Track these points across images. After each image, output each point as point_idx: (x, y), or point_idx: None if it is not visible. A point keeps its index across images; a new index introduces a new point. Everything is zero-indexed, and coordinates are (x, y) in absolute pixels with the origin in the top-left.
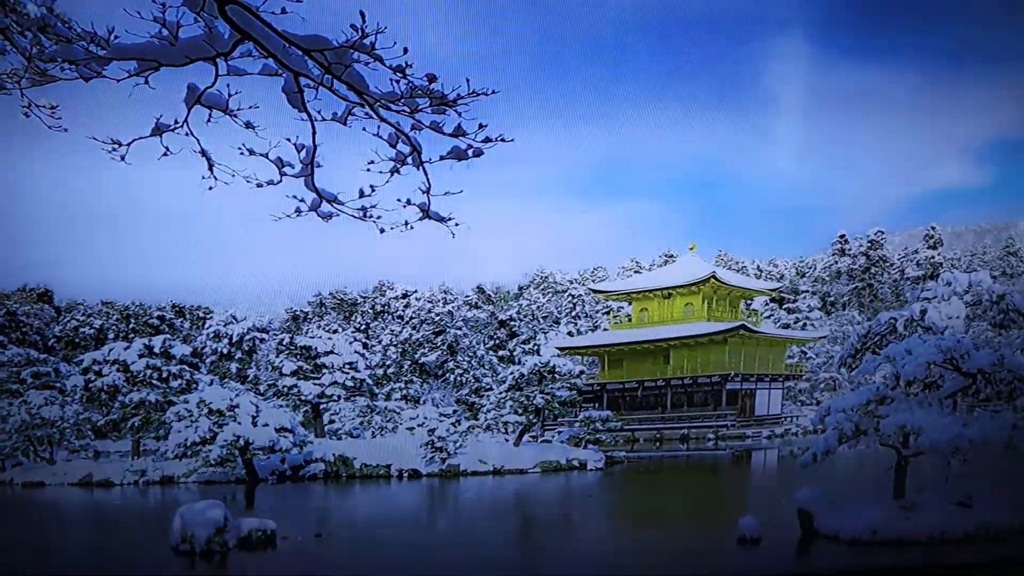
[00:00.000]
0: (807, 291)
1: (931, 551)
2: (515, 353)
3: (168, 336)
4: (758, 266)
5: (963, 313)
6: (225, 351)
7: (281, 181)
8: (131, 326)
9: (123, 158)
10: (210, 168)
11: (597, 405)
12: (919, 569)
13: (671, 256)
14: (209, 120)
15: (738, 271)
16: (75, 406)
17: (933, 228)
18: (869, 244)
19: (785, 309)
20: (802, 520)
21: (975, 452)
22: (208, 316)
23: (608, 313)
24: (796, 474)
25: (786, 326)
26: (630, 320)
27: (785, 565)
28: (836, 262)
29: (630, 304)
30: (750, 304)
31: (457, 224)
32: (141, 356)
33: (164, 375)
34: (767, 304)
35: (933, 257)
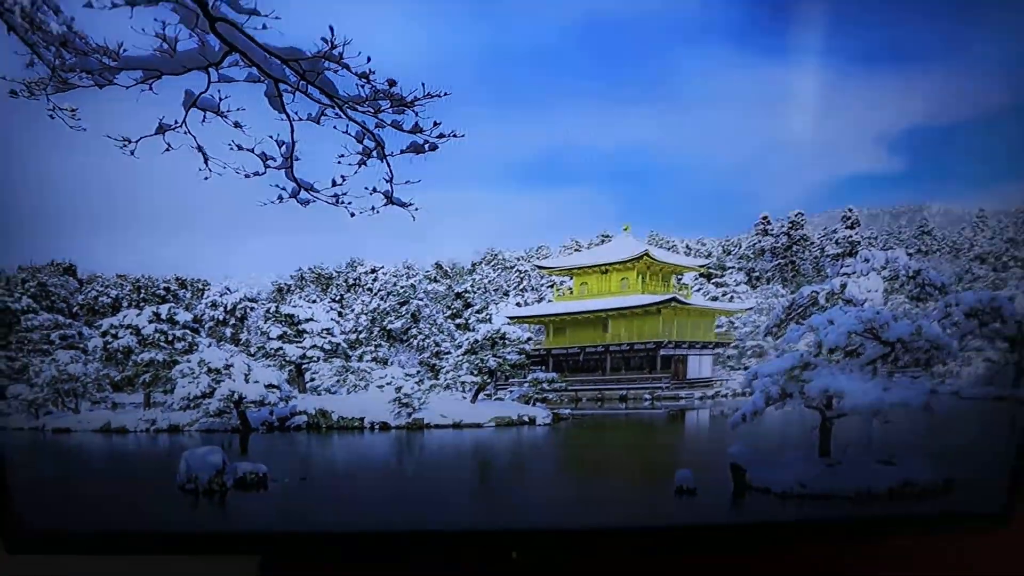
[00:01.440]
0: (733, 267)
1: (858, 505)
2: (470, 321)
3: (173, 304)
4: (687, 245)
5: (881, 287)
6: (221, 318)
7: (265, 172)
8: (142, 296)
9: (132, 153)
10: (205, 161)
11: (544, 368)
12: (847, 520)
13: (607, 236)
14: (204, 120)
15: (669, 249)
16: (96, 364)
17: (850, 210)
18: (790, 224)
19: (713, 283)
20: (735, 474)
21: (895, 415)
22: (206, 288)
23: (552, 287)
24: (728, 433)
25: (715, 298)
26: (572, 293)
27: (720, 514)
28: (760, 241)
29: (571, 279)
30: (681, 279)
31: (417, 208)
32: (150, 322)
33: (170, 338)
34: (697, 279)
35: (851, 236)
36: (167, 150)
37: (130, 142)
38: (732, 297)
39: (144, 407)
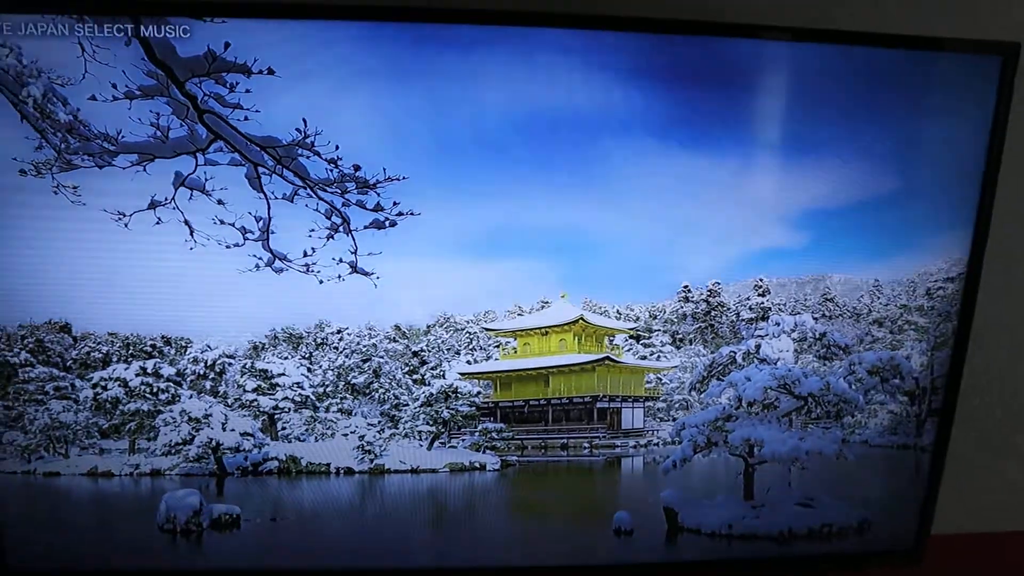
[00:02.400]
0: (659, 330)
1: (781, 544)
2: (426, 377)
3: (158, 360)
4: (618, 310)
5: (791, 348)
6: (201, 372)
7: (244, 244)
8: (130, 352)
9: (126, 225)
10: (191, 234)
11: (492, 419)
12: (771, 559)
13: (547, 302)
14: (191, 198)
15: (602, 313)
16: (86, 413)
17: (761, 280)
18: (708, 292)
19: (642, 344)
20: (668, 516)
21: (812, 462)
22: (189, 345)
23: (498, 347)
24: (660, 478)
25: (643, 357)
26: (516, 352)
27: (656, 553)
28: (682, 307)
29: (515, 340)
30: (613, 340)
31: (378, 277)
32: (137, 375)
33: (155, 390)
34: (627, 340)
35: (763, 303)
36: (157, 223)
37: (124, 215)
38: (659, 356)
39: (129, 453)
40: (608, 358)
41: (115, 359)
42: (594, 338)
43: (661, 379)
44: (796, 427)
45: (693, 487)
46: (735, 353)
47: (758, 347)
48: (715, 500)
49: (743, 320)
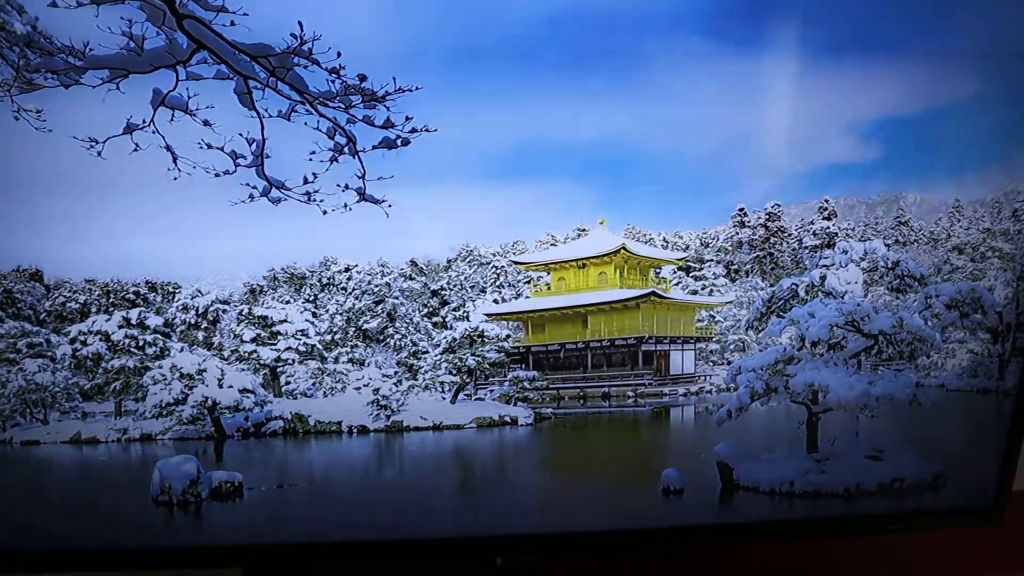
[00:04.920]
0: (711, 260)
1: (847, 501)
2: (447, 319)
3: (143, 309)
4: (664, 238)
5: (860, 279)
6: (192, 321)
7: (236, 171)
8: (111, 300)
9: (100, 154)
10: (174, 161)
11: (524, 366)
12: (836, 519)
13: (583, 230)
14: (172, 119)
15: (646, 242)
16: (64, 372)
17: (827, 201)
18: (767, 216)
19: (692, 277)
20: (722, 472)
21: (882, 408)
22: (177, 291)
23: (529, 283)
24: (713, 430)
25: (694, 292)
26: (549, 288)
27: (708, 515)
28: (737, 233)
29: (549, 274)
30: (659, 272)
31: (390, 205)
32: (120, 327)
33: (140, 343)
34: (675, 272)
35: (828, 227)
36: (135, 150)
37: (97, 143)
38: (711, 291)
39: (115, 416)
40: (654, 293)
41: (94, 309)
42: (638, 270)
43: (714, 316)
44: (865, 370)
45: (750, 440)
46: (797, 286)
47: (823, 279)
48: (775, 454)
49: (806, 248)
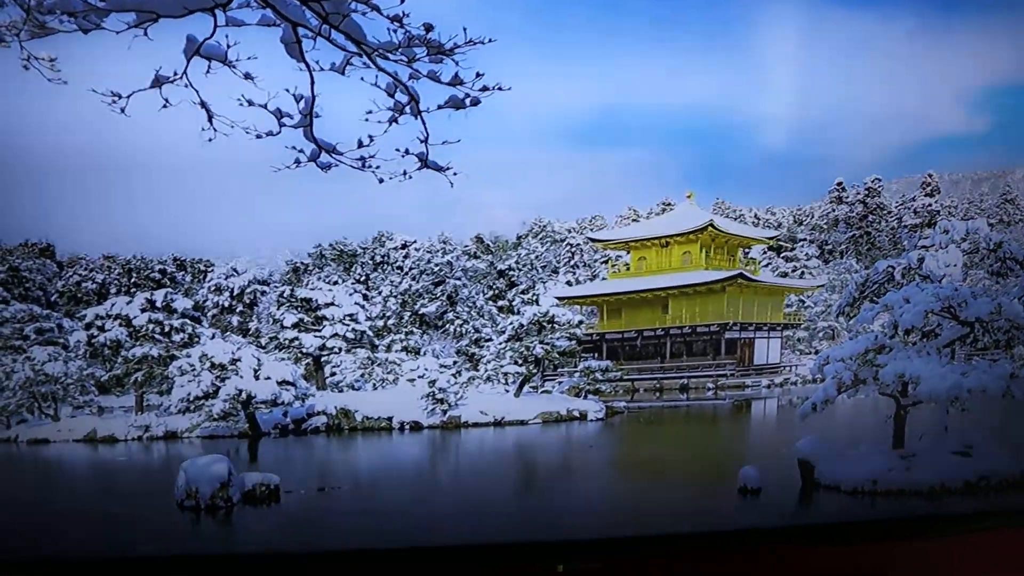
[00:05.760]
0: (805, 239)
1: (932, 501)
2: (514, 303)
3: (170, 290)
4: (755, 214)
5: (960, 261)
6: (226, 304)
7: (280, 132)
8: (133, 280)
9: (123, 110)
10: (209, 120)
11: (596, 355)
12: (920, 519)
13: (669, 204)
14: (208, 71)
15: (736, 219)
16: (78, 362)
17: (930, 176)
18: (866, 192)
19: (783, 257)
20: (802, 470)
21: (973, 401)
22: (209, 269)
23: (606, 262)
24: (796, 424)
25: (784, 274)
26: (628, 269)
27: (786, 516)
28: (833, 210)
29: (628, 253)
30: (748, 252)
31: (455, 173)
32: (143, 310)
33: (166, 329)
34: (765, 252)
35: (930, 205)
36: (164, 107)
37: (120, 97)
38: (803, 273)
39: (136, 411)
40: (742, 275)
41: (113, 290)
42: (725, 250)
43: (803, 301)
44: (959, 360)
45: (834, 435)
46: (893, 268)
47: (921, 260)
48: (859, 450)
49: (905, 227)
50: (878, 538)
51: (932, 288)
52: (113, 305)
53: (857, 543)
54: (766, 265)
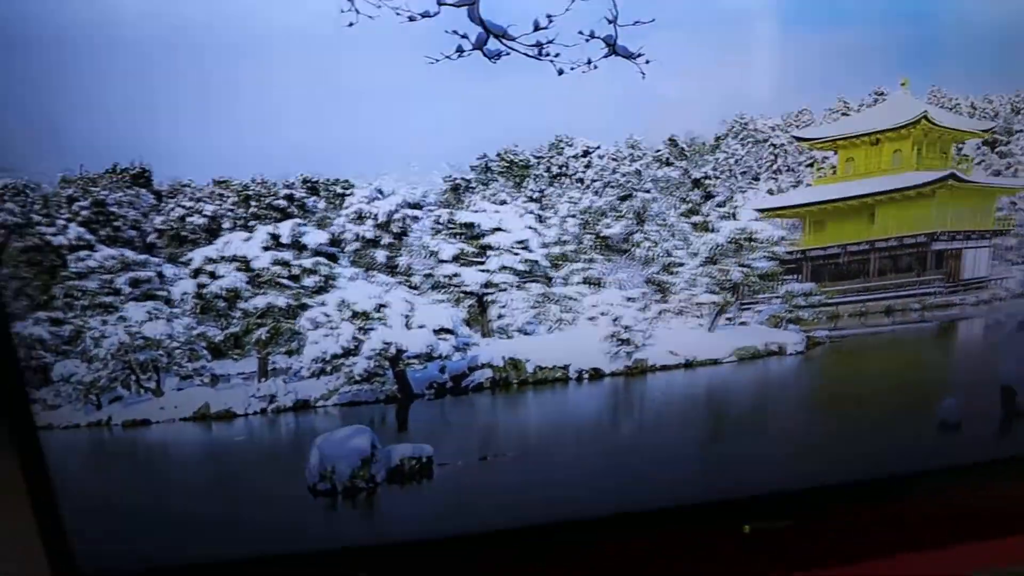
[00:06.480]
0: (1021, 130)
1: None
2: (710, 219)
3: (299, 220)
4: (972, 103)
5: None
6: (370, 236)
7: (439, 12)
8: (252, 210)
9: None
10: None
11: (798, 277)
12: None
13: (881, 94)
14: None
15: (951, 109)
16: (185, 319)
17: None
18: None
19: (997, 153)
20: (1004, 397)
21: None
22: (348, 192)
23: (811, 165)
24: (1002, 347)
25: (997, 173)
26: (835, 173)
27: (983, 450)
28: None
29: (835, 153)
30: (961, 149)
31: (648, 61)
32: (266, 249)
33: (295, 272)
34: (979, 148)
35: None
36: None
37: None
38: (1017, 171)
39: (259, 378)
40: (953, 175)
41: (227, 225)
42: (938, 147)
43: (1016, 203)
44: None
45: None
46: None
47: None
48: None
49: None
50: None
51: None
52: (227, 244)
53: None
54: (979, 163)
